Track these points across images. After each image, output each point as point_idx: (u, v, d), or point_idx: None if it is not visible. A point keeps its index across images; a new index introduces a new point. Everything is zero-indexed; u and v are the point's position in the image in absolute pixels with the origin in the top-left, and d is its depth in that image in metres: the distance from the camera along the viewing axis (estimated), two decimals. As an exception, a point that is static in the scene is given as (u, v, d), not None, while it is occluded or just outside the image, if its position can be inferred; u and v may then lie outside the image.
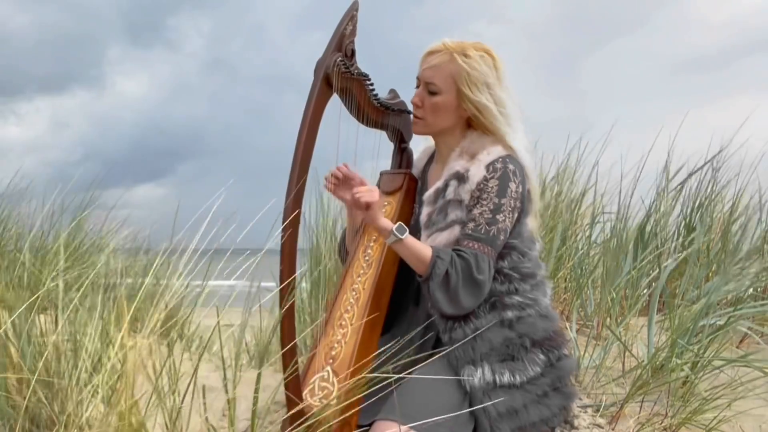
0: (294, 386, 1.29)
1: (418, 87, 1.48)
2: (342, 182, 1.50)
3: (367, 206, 1.35)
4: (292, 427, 1.27)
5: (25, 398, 1.25)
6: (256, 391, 1.23)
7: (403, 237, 1.34)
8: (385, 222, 1.36)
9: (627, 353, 2.12)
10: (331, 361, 1.39)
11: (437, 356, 1.40)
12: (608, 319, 2.50)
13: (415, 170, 1.66)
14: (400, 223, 1.36)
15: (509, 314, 1.39)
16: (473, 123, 1.47)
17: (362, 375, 1.28)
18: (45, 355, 1.26)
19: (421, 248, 1.36)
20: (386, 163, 1.69)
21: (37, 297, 1.38)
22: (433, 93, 1.44)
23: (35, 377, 1.22)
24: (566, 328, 2.26)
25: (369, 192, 1.36)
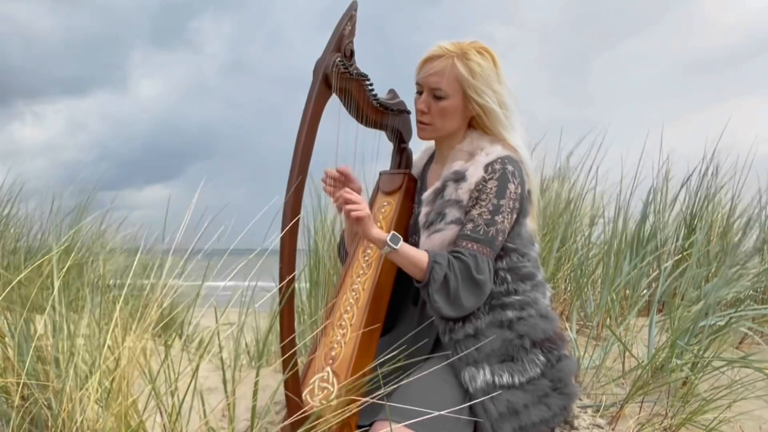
0: (294, 386, 1.29)
1: (419, 93, 1.47)
2: (342, 183, 1.46)
3: (357, 220, 1.33)
4: (292, 427, 1.26)
5: (24, 399, 1.24)
6: (255, 392, 1.23)
7: (397, 247, 1.33)
8: (379, 233, 1.34)
9: (627, 354, 2.12)
10: (330, 361, 1.39)
11: (437, 357, 1.39)
12: (608, 319, 2.49)
13: (415, 170, 1.65)
14: (393, 232, 1.34)
15: (509, 315, 1.38)
16: (474, 123, 1.47)
17: (362, 375, 1.28)
18: (41, 356, 1.25)
19: (417, 255, 1.34)
20: (386, 163, 1.69)
21: (34, 298, 1.38)
22: (439, 98, 1.43)
23: (33, 380, 1.22)
24: (566, 329, 2.25)
25: (359, 206, 1.32)
